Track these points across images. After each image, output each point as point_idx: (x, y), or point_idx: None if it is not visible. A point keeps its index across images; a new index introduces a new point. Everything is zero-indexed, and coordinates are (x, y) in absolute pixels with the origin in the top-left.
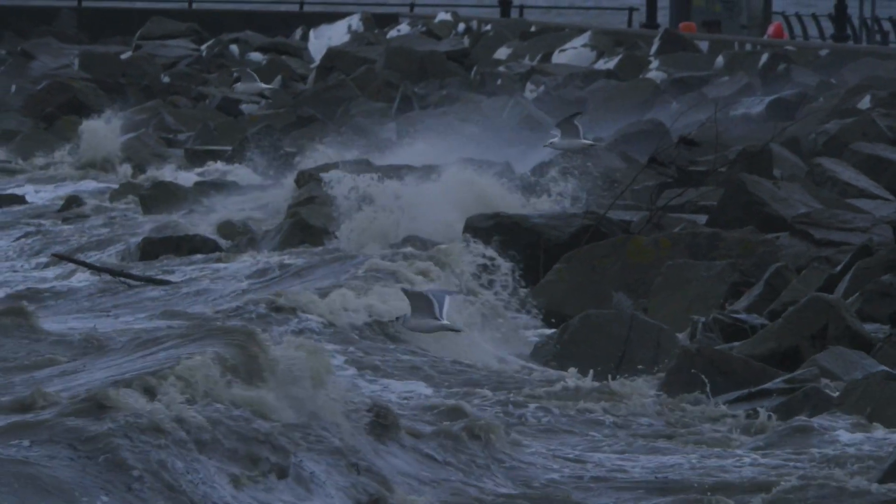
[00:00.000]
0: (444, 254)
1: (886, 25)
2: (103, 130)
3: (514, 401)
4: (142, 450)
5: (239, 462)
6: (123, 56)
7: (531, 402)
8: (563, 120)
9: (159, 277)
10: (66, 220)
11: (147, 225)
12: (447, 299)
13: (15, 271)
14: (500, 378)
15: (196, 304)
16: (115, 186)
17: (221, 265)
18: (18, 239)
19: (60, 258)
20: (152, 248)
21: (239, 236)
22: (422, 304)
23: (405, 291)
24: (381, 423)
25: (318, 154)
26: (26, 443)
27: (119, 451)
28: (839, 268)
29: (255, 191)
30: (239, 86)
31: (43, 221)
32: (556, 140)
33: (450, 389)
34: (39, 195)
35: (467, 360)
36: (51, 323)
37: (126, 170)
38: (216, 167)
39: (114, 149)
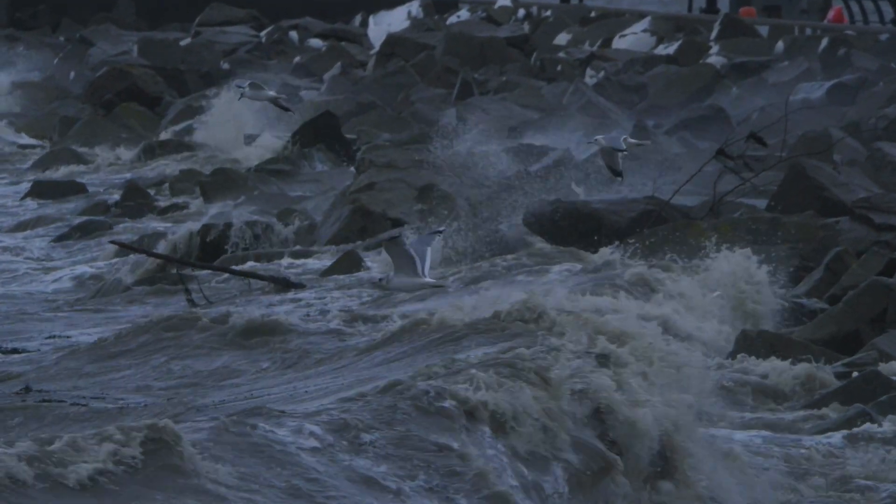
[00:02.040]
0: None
1: None
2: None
3: None
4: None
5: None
6: (182, 43)
7: None
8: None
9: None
10: (126, 209)
11: (207, 212)
12: (429, 252)
13: (83, 265)
14: None
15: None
16: (176, 173)
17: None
18: (80, 228)
19: (122, 246)
20: (212, 236)
21: (299, 222)
22: (404, 261)
23: (386, 247)
24: None
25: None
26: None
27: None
28: None
29: (314, 177)
30: (248, 91)
31: (102, 211)
32: (600, 137)
33: None
34: (100, 183)
35: None
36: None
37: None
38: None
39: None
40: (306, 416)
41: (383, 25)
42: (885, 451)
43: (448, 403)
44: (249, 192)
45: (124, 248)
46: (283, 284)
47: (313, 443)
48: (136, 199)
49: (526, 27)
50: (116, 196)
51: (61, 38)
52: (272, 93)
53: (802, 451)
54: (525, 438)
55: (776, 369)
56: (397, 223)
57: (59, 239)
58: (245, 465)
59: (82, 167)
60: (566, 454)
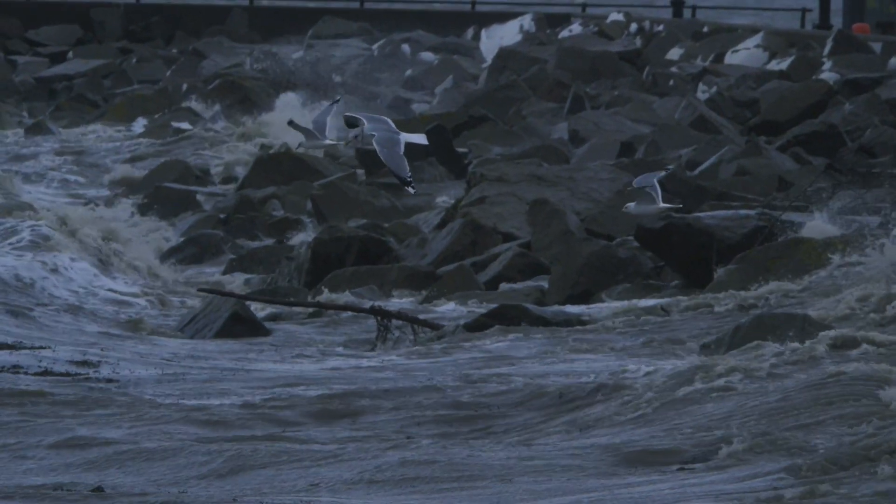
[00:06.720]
0: None
1: None
2: None
3: None
4: None
5: None
6: (295, 55)
7: None
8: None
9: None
10: (237, 222)
11: (318, 226)
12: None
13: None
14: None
15: None
16: (288, 186)
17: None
18: (192, 242)
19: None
20: (323, 249)
21: (410, 236)
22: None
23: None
24: None
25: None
26: None
27: None
28: None
29: (425, 190)
30: (305, 142)
31: (214, 224)
32: (631, 206)
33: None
34: (211, 195)
35: None
36: None
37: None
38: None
39: None
40: None
41: (495, 39)
42: None
43: None
44: (361, 205)
45: (216, 294)
46: (431, 327)
47: None
48: (247, 213)
49: (638, 42)
50: (228, 210)
51: (174, 51)
52: (329, 140)
53: None
54: None
55: None
56: (508, 237)
57: (171, 252)
58: None
59: (193, 180)
60: None
